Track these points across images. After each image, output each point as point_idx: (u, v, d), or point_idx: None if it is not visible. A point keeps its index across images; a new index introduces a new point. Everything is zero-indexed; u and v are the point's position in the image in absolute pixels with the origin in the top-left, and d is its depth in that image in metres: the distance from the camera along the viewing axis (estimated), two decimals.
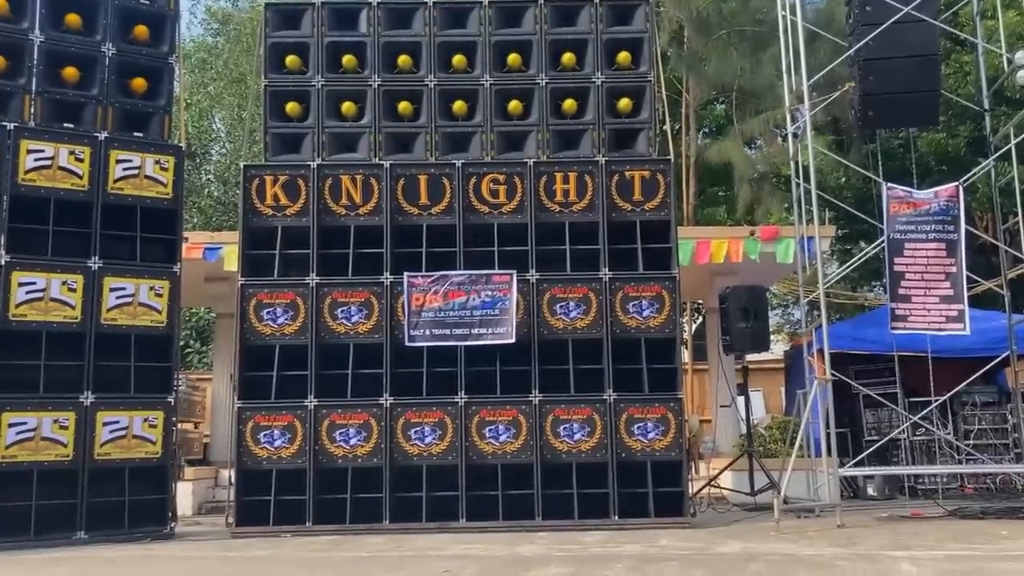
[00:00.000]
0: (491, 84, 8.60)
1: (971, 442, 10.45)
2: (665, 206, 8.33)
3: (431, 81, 8.60)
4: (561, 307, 8.14)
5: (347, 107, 8.60)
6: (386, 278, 8.14)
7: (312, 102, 8.60)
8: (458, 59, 8.65)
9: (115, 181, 7.86)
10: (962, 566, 5.66)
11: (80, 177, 7.74)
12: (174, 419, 7.88)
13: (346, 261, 8.23)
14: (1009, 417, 10.60)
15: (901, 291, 8.19)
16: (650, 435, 7.89)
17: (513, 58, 8.65)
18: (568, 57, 8.65)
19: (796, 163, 9.20)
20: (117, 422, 7.54)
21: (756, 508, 8.90)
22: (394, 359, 7.99)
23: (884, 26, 8.12)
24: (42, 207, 7.54)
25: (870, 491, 10.34)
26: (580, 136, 8.62)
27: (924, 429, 10.13)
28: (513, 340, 7.88)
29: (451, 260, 8.16)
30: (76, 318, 7.55)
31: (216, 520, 8.45)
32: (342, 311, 8.12)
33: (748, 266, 11.50)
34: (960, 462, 10.36)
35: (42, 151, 7.61)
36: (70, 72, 7.91)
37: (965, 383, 9.16)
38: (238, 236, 8.43)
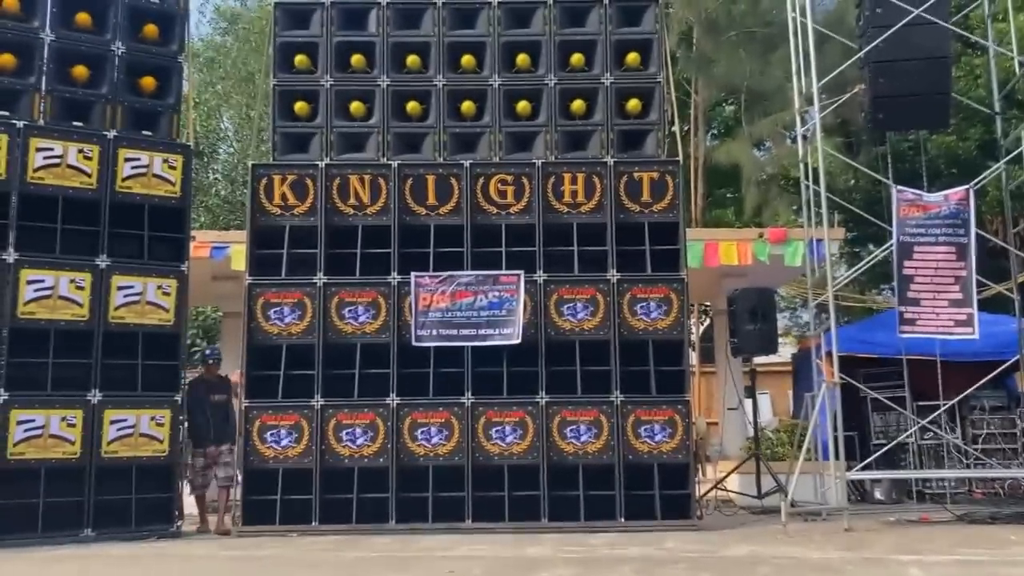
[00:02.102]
0: (500, 84, 8.60)
1: (980, 446, 10.39)
2: (674, 207, 8.31)
3: (440, 81, 8.61)
4: (568, 308, 8.11)
5: (356, 107, 8.60)
6: (393, 278, 8.13)
7: (321, 101, 8.61)
8: (467, 59, 8.65)
9: (123, 179, 7.90)
10: (971, 571, 5.63)
11: (89, 175, 7.76)
12: (181, 418, 7.90)
13: (353, 261, 8.22)
14: (1018, 421, 10.54)
15: (910, 295, 8.15)
16: (657, 437, 7.87)
17: (522, 58, 8.65)
18: (577, 58, 8.64)
19: (806, 165, 9.16)
20: (124, 420, 7.56)
21: (763, 511, 8.86)
22: (401, 359, 7.99)
23: (894, 28, 8.08)
24: (51, 205, 7.57)
25: (877, 495, 10.28)
26: (589, 137, 8.60)
27: (932, 433, 10.08)
28: (519, 341, 7.86)
29: (458, 260, 8.15)
30: (84, 316, 7.57)
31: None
32: (349, 311, 8.11)
33: (757, 268, 11.45)
34: (968, 466, 10.30)
35: (51, 149, 7.64)
36: (80, 71, 7.94)
37: (974, 387, 9.10)
38: (246, 235, 8.43)
